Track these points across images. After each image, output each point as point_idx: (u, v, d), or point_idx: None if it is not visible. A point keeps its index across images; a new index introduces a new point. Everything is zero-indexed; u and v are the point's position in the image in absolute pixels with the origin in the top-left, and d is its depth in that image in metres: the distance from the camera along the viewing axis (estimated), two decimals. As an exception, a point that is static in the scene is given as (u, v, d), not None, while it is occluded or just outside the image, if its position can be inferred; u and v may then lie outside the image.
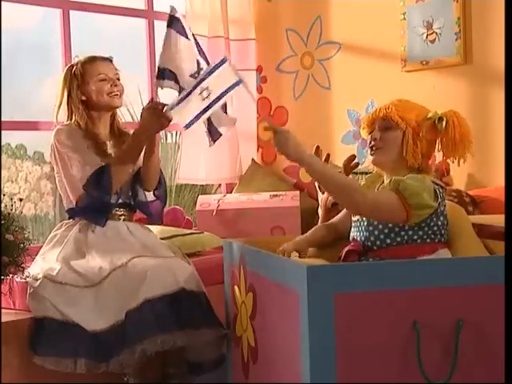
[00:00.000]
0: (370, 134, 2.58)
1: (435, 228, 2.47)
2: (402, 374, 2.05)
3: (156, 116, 2.83)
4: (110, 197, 2.96)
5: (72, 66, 3.11)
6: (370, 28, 4.20)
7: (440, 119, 2.49)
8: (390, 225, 2.46)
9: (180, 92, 2.82)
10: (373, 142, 2.54)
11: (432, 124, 2.50)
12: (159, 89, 2.91)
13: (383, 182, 2.58)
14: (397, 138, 2.50)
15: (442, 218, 2.48)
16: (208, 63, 2.91)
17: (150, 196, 3.15)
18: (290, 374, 2.18)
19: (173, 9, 2.89)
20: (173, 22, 2.89)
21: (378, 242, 2.48)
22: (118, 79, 3.10)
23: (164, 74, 2.88)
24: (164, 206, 3.23)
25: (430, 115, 2.51)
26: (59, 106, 3.08)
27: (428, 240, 2.46)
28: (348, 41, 4.34)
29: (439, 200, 2.45)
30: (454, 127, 2.50)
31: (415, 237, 2.45)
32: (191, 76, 2.88)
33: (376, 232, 2.48)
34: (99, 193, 2.93)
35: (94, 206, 2.95)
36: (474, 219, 2.84)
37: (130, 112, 5.29)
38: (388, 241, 2.46)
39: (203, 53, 2.97)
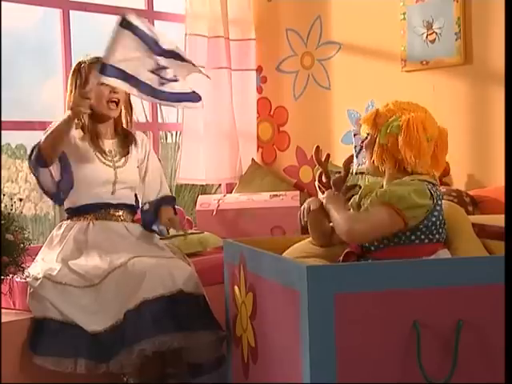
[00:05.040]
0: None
1: (433, 227, 2.47)
2: (402, 374, 2.05)
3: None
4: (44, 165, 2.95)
5: (80, 63, 3.11)
6: (370, 28, 4.20)
7: (394, 125, 2.50)
8: None
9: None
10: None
11: (387, 130, 2.51)
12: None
13: (382, 186, 2.59)
14: (370, 146, 2.56)
15: (440, 217, 2.49)
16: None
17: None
18: (290, 374, 2.18)
19: (128, 14, 2.87)
20: (126, 23, 2.86)
21: (375, 243, 2.49)
22: None
23: (106, 70, 2.83)
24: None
25: (390, 120, 2.51)
26: (68, 100, 3.10)
27: (426, 240, 2.47)
28: (348, 41, 4.33)
29: (434, 198, 2.45)
30: (405, 133, 2.46)
31: (413, 237, 2.45)
32: (152, 71, 2.89)
33: None
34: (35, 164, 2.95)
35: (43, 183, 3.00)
36: (474, 219, 2.84)
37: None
38: (386, 241, 2.47)
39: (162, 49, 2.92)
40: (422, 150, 2.45)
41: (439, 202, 2.50)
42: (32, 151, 2.96)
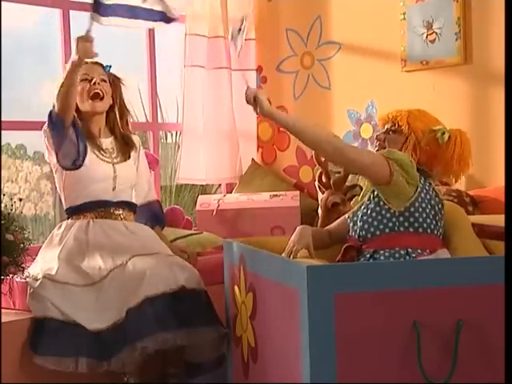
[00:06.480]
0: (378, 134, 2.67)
1: (424, 215, 2.50)
2: (402, 374, 2.06)
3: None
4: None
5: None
6: (370, 28, 4.20)
7: (443, 133, 2.55)
8: (383, 211, 2.52)
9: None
10: (377, 142, 2.63)
11: (434, 137, 2.55)
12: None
13: None
14: (398, 142, 2.57)
15: (428, 206, 2.53)
16: None
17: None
18: (290, 374, 2.18)
19: None
20: None
21: (372, 229, 2.53)
22: (104, 81, 3.10)
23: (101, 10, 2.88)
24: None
25: (435, 128, 2.56)
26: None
27: (420, 229, 2.50)
28: (348, 41, 4.33)
29: (419, 183, 2.51)
30: (455, 144, 2.55)
31: (406, 223, 2.49)
32: None
33: (370, 220, 2.54)
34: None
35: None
36: (474, 219, 2.84)
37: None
38: (381, 227, 2.51)
39: None
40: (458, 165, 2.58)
41: (426, 192, 2.52)
42: (50, 115, 2.93)
